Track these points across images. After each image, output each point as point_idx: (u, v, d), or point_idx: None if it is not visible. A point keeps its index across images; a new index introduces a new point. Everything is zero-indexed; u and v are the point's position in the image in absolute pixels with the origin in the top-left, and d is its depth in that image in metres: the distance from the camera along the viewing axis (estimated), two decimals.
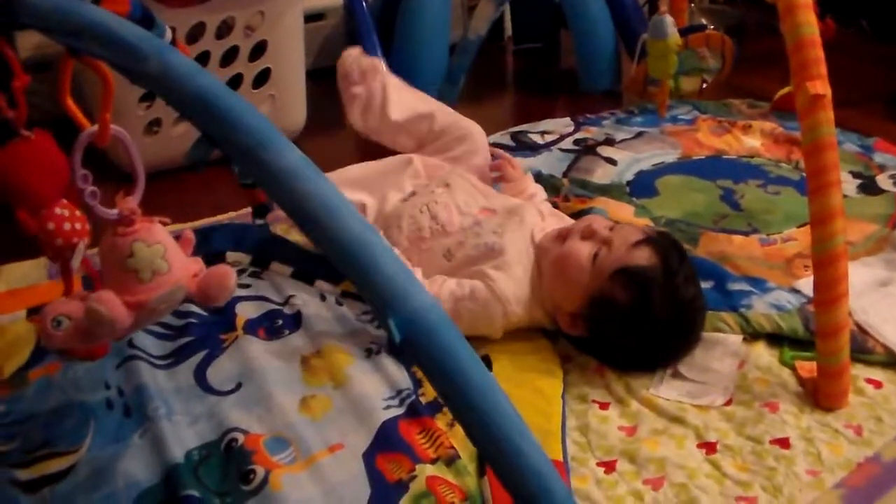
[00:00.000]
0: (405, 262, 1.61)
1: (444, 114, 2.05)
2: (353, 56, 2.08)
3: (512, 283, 1.62)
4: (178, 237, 1.18)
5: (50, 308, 1.07)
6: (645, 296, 1.54)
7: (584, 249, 1.62)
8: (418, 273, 1.68)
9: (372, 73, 2.04)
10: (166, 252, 1.12)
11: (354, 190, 1.87)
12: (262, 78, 2.49)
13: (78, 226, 1.11)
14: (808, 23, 1.47)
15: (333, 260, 0.87)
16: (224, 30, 2.37)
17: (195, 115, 0.94)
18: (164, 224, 1.16)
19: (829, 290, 1.45)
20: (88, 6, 1.02)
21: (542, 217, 1.78)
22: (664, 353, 1.59)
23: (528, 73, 3.33)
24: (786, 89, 2.48)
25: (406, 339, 0.84)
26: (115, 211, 1.10)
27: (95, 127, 1.09)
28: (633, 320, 1.55)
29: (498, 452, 0.85)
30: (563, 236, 1.67)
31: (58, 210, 1.10)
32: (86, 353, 1.24)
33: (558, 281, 1.63)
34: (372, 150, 2.17)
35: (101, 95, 1.10)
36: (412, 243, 1.75)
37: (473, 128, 2.04)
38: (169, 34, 1.58)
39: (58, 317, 1.06)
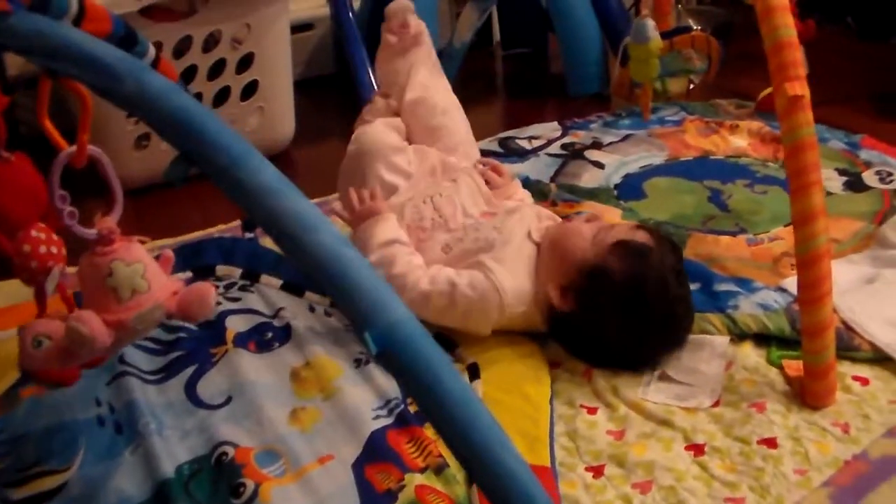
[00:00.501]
0: (407, 248, 1.63)
1: (451, 117, 2.05)
2: (401, 4, 2.08)
3: (510, 276, 1.63)
4: (157, 256, 1.18)
5: (29, 327, 1.08)
6: (640, 272, 1.56)
7: (587, 226, 1.68)
8: (418, 259, 1.68)
9: (413, 33, 2.05)
10: (146, 271, 1.12)
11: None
12: (249, 90, 2.51)
13: (54, 249, 1.11)
14: (785, 25, 1.48)
15: (310, 275, 0.88)
16: (211, 43, 2.38)
17: (172, 134, 0.95)
18: (143, 243, 1.16)
19: (813, 289, 1.45)
20: (65, 28, 1.03)
21: (538, 219, 1.78)
22: (645, 343, 1.59)
23: (517, 78, 3.35)
24: (768, 90, 2.48)
25: (382, 352, 0.84)
26: (93, 230, 1.11)
27: (73, 147, 1.10)
28: (623, 296, 1.56)
29: (478, 463, 0.86)
30: (567, 221, 1.73)
31: (34, 233, 1.11)
32: (57, 378, 1.24)
33: (557, 253, 1.65)
34: None
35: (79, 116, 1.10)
36: (411, 233, 1.76)
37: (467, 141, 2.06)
38: (152, 51, 1.58)
39: (38, 336, 1.07)
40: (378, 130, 1.92)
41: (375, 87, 2.66)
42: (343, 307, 0.88)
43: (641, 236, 1.62)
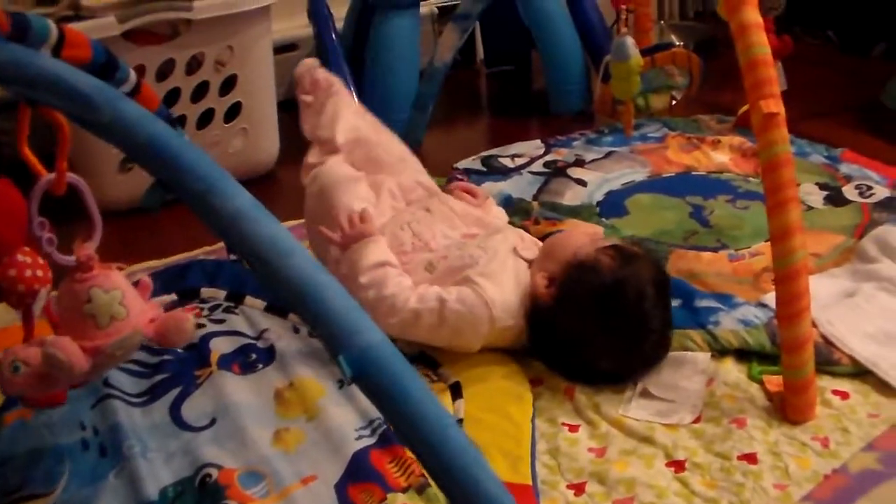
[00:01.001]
0: (397, 270, 1.66)
1: (385, 147, 2.05)
2: (307, 65, 2.09)
3: (498, 289, 1.64)
4: (136, 283, 1.19)
5: (8, 353, 1.09)
6: (625, 274, 1.59)
7: (584, 235, 1.75)
8: (408, 280, 1.68)
9: (324, 87, 2.05)
10: (124, 297, 1.13)
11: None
12: (233, 112, 2.51)
13: (40, 273, 1.13)
14: (759, 43, 1.49)
15: (285, 299, 0.89)
16: (194, 65, 2.40)
17: (147, 161, 0.97)
18: (121, 269, 1.17)
19: (791, 304, 1.47)
20: (42, 57, 1.05)
21: (522, 238, 1.79)
22: (614, 348, 1.59)
23: (501, 96, 3.36)
24: (746, 106, 2.50)
25: (357, 375, 0.86)
26: (72, 257, 1.12)
27: (52, 175, 1.11)
28: (603, 292, 1.58)
29: (453, 483, 0.87)
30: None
31: (20, 257, 1.12)
32: (46, 401, 1.25)
33: (554, 251, 1.69)
34: None
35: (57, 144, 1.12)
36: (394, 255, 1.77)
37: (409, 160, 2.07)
38: (133, 77, 1.59)
39: (15, 362, 1.08)
40: (333, 164, 1.93)
41: None
42: (318, 331, 0.90)
43: (636, 249, 1.68)
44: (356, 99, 2.38)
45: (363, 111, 2.10)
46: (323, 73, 2.07)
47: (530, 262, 1.72)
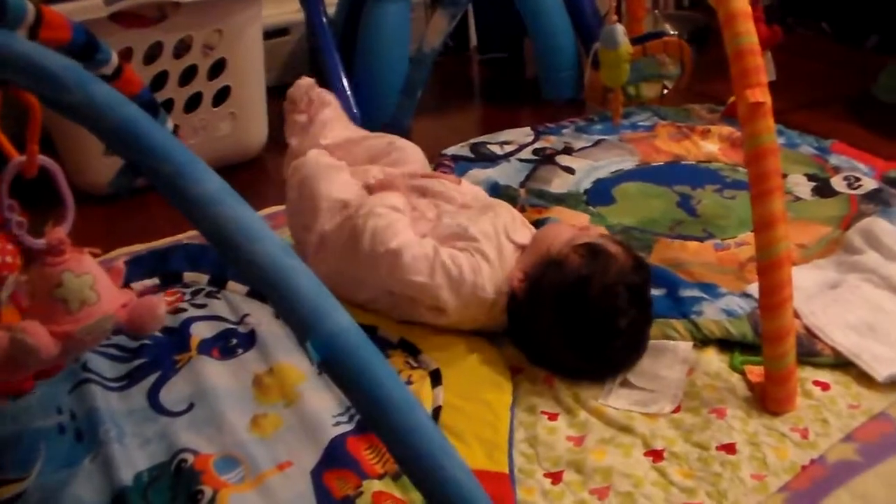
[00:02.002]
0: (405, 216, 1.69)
1: (374, 142, 2.06)
2: (305, 85, 2.08)
3: (486, 262, 1.64)
4: (109, 269, 1.18)
5: None
6: (591, 273, 1.57)
7: (572, 229, 1.74)
8: (405, 221, 1.71)
9: (319, 104, 2.04)
10: (95, 282, 1.12)
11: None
12: (221, 96, 2.50)
13: (9, 259, 1.12)
14: (747, 32, 1.49)
15: (253, 283, 0.89)
16: (182, 49, 2.38)
17: (118, 144, 0.96)
18: (95, 255, 1.16)
19: (773, 294, 1.46)
20: (12, 37, 1.04)
21: (513, 218, 1.79)
22: (575, 346, 1.57)
23: (494, 83, 3.35)
24: (734, 97, 2.50)
25: (324, 360, 0.85)
26: (42, 241, 1.11)
27: (23, 157, 1.10)
28: (567, 290, 1.57)
29: (418, 468, 0.87)
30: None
31: None
32: (13, 389, 1.25)
33: (535, 245, 1.69)
34: None
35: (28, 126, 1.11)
36: None
37: (408, 146, 2.07)
38: (115, 59, 1.58)
39: None
40: (314, 154, 1.92)
41: (349, 93, 2.68)
42: (285, 316, 0.89)
43: (612, 247, 1.64)
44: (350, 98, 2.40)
45: (353, 126, 2.11)
46: (318, 93, 2.07)
47: (518, 245, 1.71)
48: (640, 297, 1.61)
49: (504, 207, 1.83)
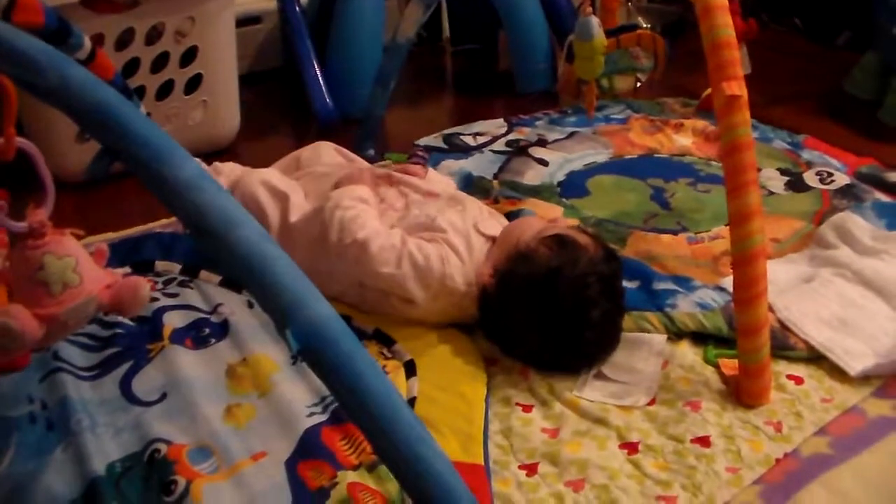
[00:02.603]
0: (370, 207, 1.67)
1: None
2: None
3: (453, 253, 1.64)
4: (92, 251, 1.17)
5: None
6: (561, 264, 1.57)
7: (540, 222, 1.74)
8: (373, 213, 1.70)
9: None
10: (77, 264, 1.11)
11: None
12: (193, 84, 2.48)
13: None
14: (724, 24, 1.49)
15: (231, 271, 0.88)
16: (154, 36, 2.36)
17: (94, 128, 0.94)
18: (77, 237, 1.15)
19: (748, 288, 1.46)
20: None
21: (481, 210, 1.80)
22: (549, 339, 1.57)
23: (467, 75, 3.35)
24: (710, 90, 2.50)
25: (304, 349, 0.84)
26: (23, 224, 1.09)
27: (0, 140, 1.08)
28: (537, 283, 1.57)
29: (398, 458, 0.87)
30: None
31: None
32: (8, 365, 1.23)
33: (501, 241, 1.69)
34: None
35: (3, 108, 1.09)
36: None
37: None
38: (87, 44, 1.57)
39: None
40: (251, 172, 1.93)
41: (321, 82, 2.66)
42: (264, 304, 0.88)
43: (581, 237, 1.64)
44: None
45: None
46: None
47: (488, 238, 1.71)
48: (611, 288, 1.61)
49: (472, 201, 1.83)
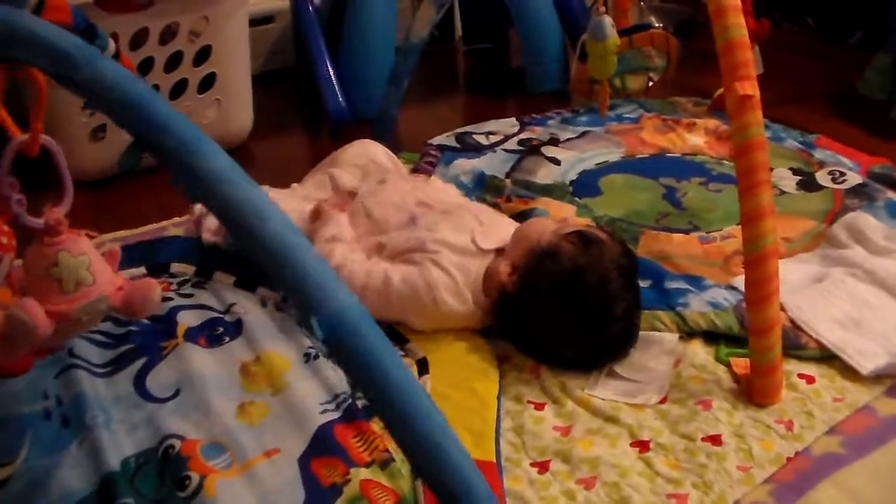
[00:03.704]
0: (347, 245, 1.66)
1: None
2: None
3: (444, 274, 1.64)
4: (105, 253, 1.18)
5: None
6: (586, 260, 1.58)
7: (554, 221, 1.76)
8: (357, 255, 1.70)
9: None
10: (91, 264, 1.12)
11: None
12: (207, 83, 2.49)
13: (4, 240, 1.11)
14: (737, 24, 1.49)
15: (259, 261, 0.89)
16: (168, 35, 2.37)
17: (126, 120, 0.95)
18: (91, 237, 1.16)
19: (760, 287, 1.47)
20: (22, 15, 1.03)
21: (479, 222, 1.78)
22: (577, 335, 1.58)
23: (479, 74, 3.35)
24: (722, 90, 2.50)
25: (329, 337, 0.86)
26: (41, 220, 1.10)
27: (25, 136, 1.09)
28: (563, 279, 1.58)
29: (419, 450, 0.87)
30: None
31: None
32: (9, 369, 1.24)
33: (520, 239, 1.69)
34: (320, 155, 2.18)
35: (33, 104, 1.10)
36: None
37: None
38: (112, 46, 1.58)
39: None
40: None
41: (335, 82, 2.67)
42: (291, 294, 0.89)
43: (601, 235, 1.65)
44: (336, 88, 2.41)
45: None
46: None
47: (486, 252, 1.71)
48: (631, 283, 1.63)
49: (467, 212, 1.81)
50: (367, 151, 2.10)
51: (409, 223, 1.75)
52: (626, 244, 1.69)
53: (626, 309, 1.59)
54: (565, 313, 1.57)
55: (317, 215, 1.79)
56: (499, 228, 1.77)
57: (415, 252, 1.68)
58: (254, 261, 0.89)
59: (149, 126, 0.92)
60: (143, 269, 1.85)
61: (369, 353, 0.85)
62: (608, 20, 2.20)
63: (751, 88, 1.46)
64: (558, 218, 1.82)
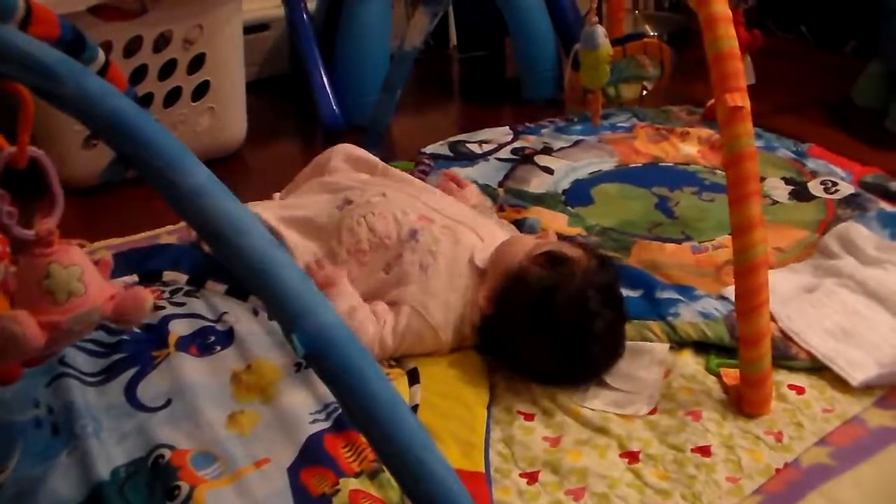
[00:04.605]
0: (363, 312, 1.65)
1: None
2: None
3: (443, 309, 1.65)
4: (96, 262, 1.18)
5: None
6: (555, 281, 1.57)
7: (530, 239, 1.72)
8: (365, 311, 1.67)
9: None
10: (83, 274, 1.12)
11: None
12: (201, 90, 2.50)
13: None
14: (727, 35, 1.49)
15: (240, 276, 0.89)
16: (162, 43, 2.37)
17: (109, 135, 0.96)
18: (82, 247, 1.16)
19: (750, 298, 1.47)
20: (6, 29, 1.04)
21: (480, 239, 1.77)
22: (556, 355, 1.57)
23: (474, 82, 3.36)
24: (714, 100, 2.51)
25: (310, 354, 0.86)
26: (31, 232, 1.11)
27: (13, 148, 1.10)
28: (534, 302, 1.56)
29: (401, 464, 0.88)
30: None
31: None
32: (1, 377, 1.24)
33: (497, 262, 1.68)
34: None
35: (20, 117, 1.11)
36: (352, 255, 1.77)
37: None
38: (101, 57, 1.58)
39: None
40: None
41: (329, 90, 2.68)
42: (272, 309, 0.90)
43: (571, 251, 1.64)
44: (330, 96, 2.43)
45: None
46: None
47: (482, 271, 1.70)
48: (610, 297, 1.61)
49: (467, 227, 1.79)
50: (350, 155, 2.09)
51: (411, 238, 1.74)
52: (603, 256, 1.69)
53: (608, 325, 1.57)
54: (542, 336, 1.56)
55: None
56: (510, 230, 1.78)
57: (417, 280, 1.68)
58: (236, 276, 0.89)
59: (131, 141, 0.93)
60: (135, 278, 1.85)
61: (350, 368, 0.86)
62: (600, 30, 2.21)
63: (741, 99, 1.47)
64: (538, 234, 1.79)
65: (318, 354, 0.86)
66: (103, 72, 1.55)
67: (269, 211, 1.88)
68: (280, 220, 1.86)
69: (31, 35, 1.17)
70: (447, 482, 0.88)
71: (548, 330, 1.55)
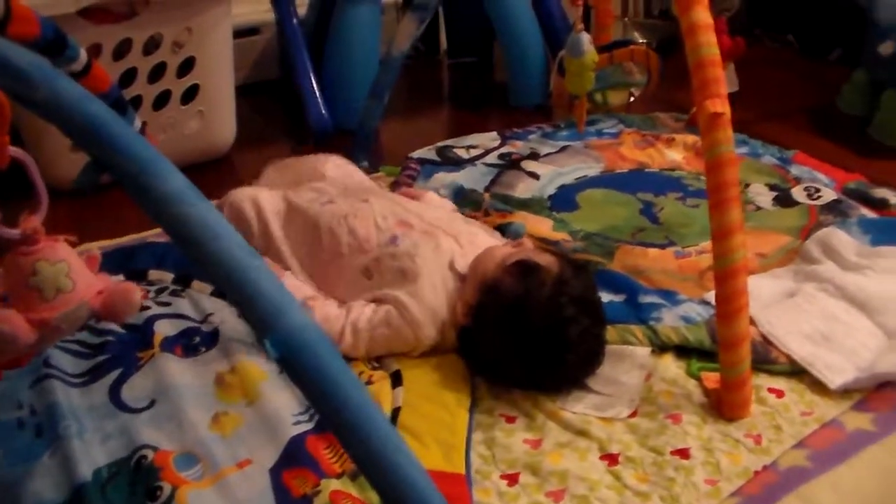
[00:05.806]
0: (320, 301, 1.66)
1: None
2: None
3: (424, 308, 1.65)
4: (84, 257, 1.19)
5: None
6: (527, 290, 1.57)
7: (505, 249, 1.70)
8: (333, 305, 1.70)
9: None
10: (70, 270, 1.13)
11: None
12: (190, 94, 2.51)
13: None
14: (708, 43, 1.50)
15: (214, 281, 0.90)
16: (151, 46, 2.38)
17: (83, 140, 0.96)
18: (71, 243, 1.17)
19: (730, 302, 1.48)
20: None
21: (459, 245, 1.77)
22: (532, 363, 1.57)
23: (463, 87, 3.37)
24: None
25: (282, 357, 0.86)
26: (16, 230, 1.12)
27: None
28: (507, 311, 1.57)
29: (374, 468, 0.88)
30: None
31: None
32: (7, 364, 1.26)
33: (473, 272, 1.68)
34: None
35: None
36: (333, 258, 1.78)
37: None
38: (83, 56, 1.59)
39: None
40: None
41: (318, 94, 2.69)
42: (244, 313, 0.90)
43: (544, 259, 1.64)
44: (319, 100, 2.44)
45: None
46: None
47: (462, 276, 1.71)
48: (585, 304, 1.61)
49: (446, 233, 1.80)
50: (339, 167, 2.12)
51: (391, 243, 1.75)
52: (576, 262, 1.70)
53: (583, 332, 1.57)
54: (518, 347, 1.56)
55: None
56: (477, 250, 1.75)
57: (397, 284, 1.69)
58: (210, 280, 0.90)
59: (105, 147, 0.93)
60: (120, 277, 1.86)
61: (323, 372, 0.86)
62: (586, 37, 2.22)
63: (721, 106, 1.47)
64: (514, 242, 1.78)
65: (290, 358, 0.87)
66: (85, 70, 1.56)
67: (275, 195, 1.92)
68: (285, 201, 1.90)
69: (10, 34, 1.18)
70: (420, 485, 0.88)
71: (522, 340, 1.56)
